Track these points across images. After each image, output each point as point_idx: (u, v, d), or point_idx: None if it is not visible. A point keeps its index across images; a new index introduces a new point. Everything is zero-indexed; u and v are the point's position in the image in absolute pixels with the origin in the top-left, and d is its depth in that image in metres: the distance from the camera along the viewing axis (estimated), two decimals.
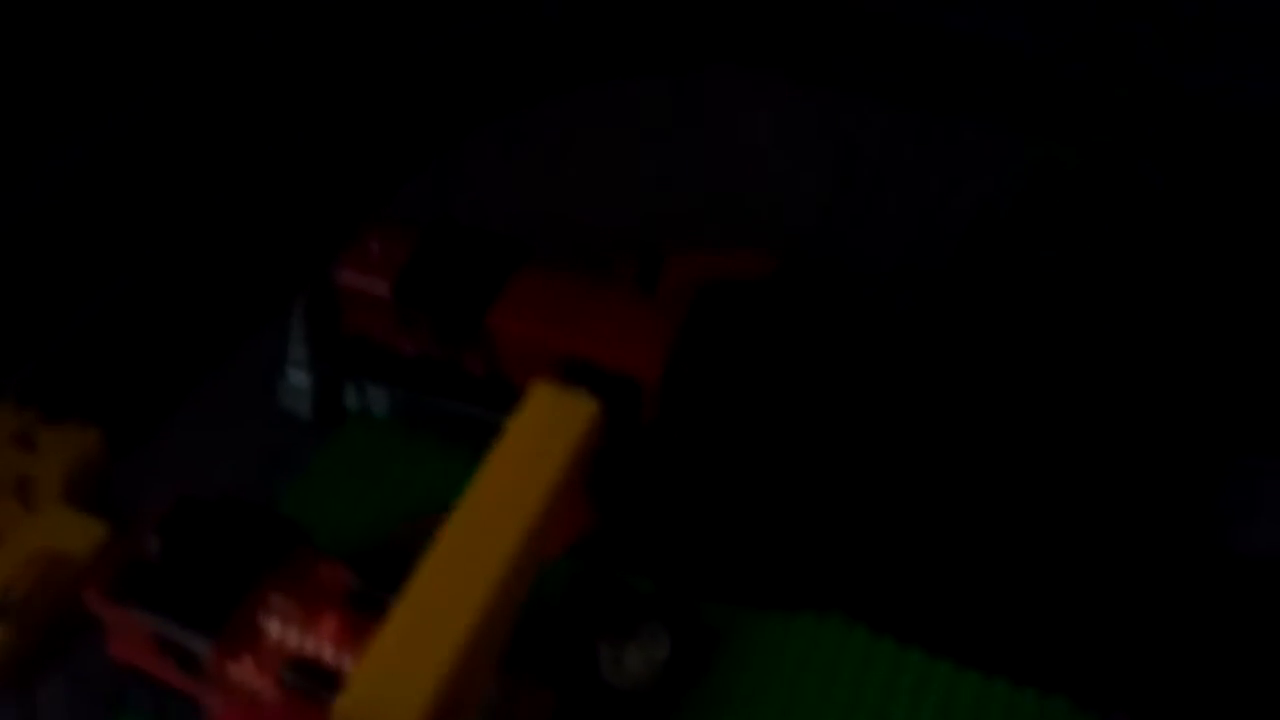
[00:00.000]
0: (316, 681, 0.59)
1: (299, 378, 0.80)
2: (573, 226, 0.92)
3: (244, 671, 0.61)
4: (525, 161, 0.98)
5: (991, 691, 0.68)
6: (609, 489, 0.69)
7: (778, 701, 0.68)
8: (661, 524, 0.73)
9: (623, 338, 0.72)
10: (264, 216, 0.93)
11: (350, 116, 1.00)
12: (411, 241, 0.76)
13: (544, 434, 0.55)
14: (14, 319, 0.85)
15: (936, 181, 0.93)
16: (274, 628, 0.61)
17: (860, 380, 0.79)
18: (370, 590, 0.63)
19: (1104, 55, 0.85)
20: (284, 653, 0.61)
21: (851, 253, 0.89)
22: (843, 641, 0.70)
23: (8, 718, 0.70)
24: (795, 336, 0.80)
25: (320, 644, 0.61)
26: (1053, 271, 0.81)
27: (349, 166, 0.96)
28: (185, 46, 1.01)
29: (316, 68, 1.03)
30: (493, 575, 0.53)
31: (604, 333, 0.72)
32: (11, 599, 0.69)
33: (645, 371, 0.71)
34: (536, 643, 0.66)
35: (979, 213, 0.87)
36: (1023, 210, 0.83)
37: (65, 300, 0.86)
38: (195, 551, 0.63)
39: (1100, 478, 0.75)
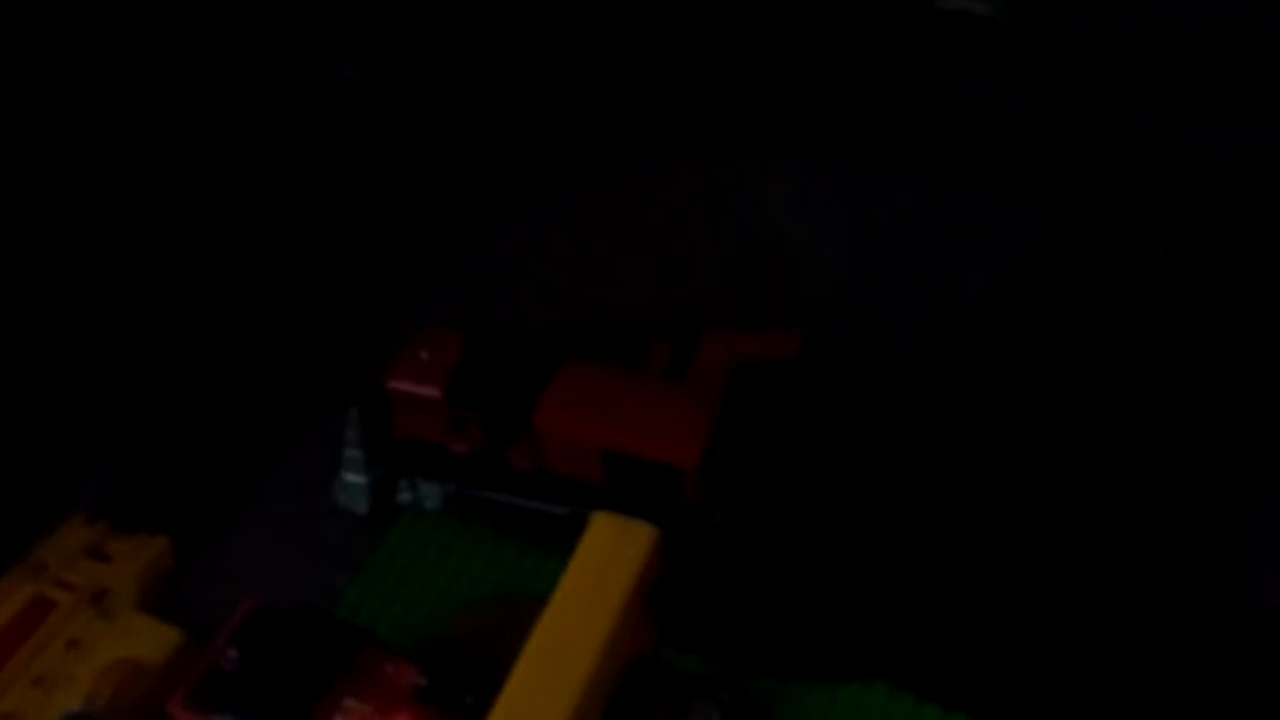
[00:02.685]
0: None
1: (355, 477, 0.83)
2: (604, 312, 0.96)
3: None
4: (553, 249, 1.02)
5: None
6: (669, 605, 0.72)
7: None
8: (706, 603, 0.76)
9: (661, 429, 0.75)
10: (309, 322, 0.97)
11: (386, 217, 1.04)
12: (458, 348, 0.80)
13: (607, 563, 0.59)
14: (79, 436, 0.89)
15: (952, 250, 0.96)
16: None
17: (891, 453, 0.82)
18: (436, 686, 0.67)
19: (1111, 125, 0.88)
20: None
21: (872, 323, 0.93)
22: (888, 709, 0.73)
23: None
24: (826, 414, 0.83)
25: None
26: (1070, 337, 0.83)
27: (386, 268, 1.01)
28: (229, 161, 1.06)
29: (353, 173, 1.08)
30: (567, 700, 0.56)
31: (643, 426, 0.76)
32: (95, 707, 0.72)
33: (685, 460, 0.74)
34: None
35: (994, 283, 0.90)
36: (1039, 280, 0.86)
37: (126, 414, 0.90)
38: (270, 660, 0.66)
39: (1128, 534, 0.78)
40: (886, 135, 1.03)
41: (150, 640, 0.75)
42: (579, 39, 1.14)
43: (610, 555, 0.60)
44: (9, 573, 0.79)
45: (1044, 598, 0.76)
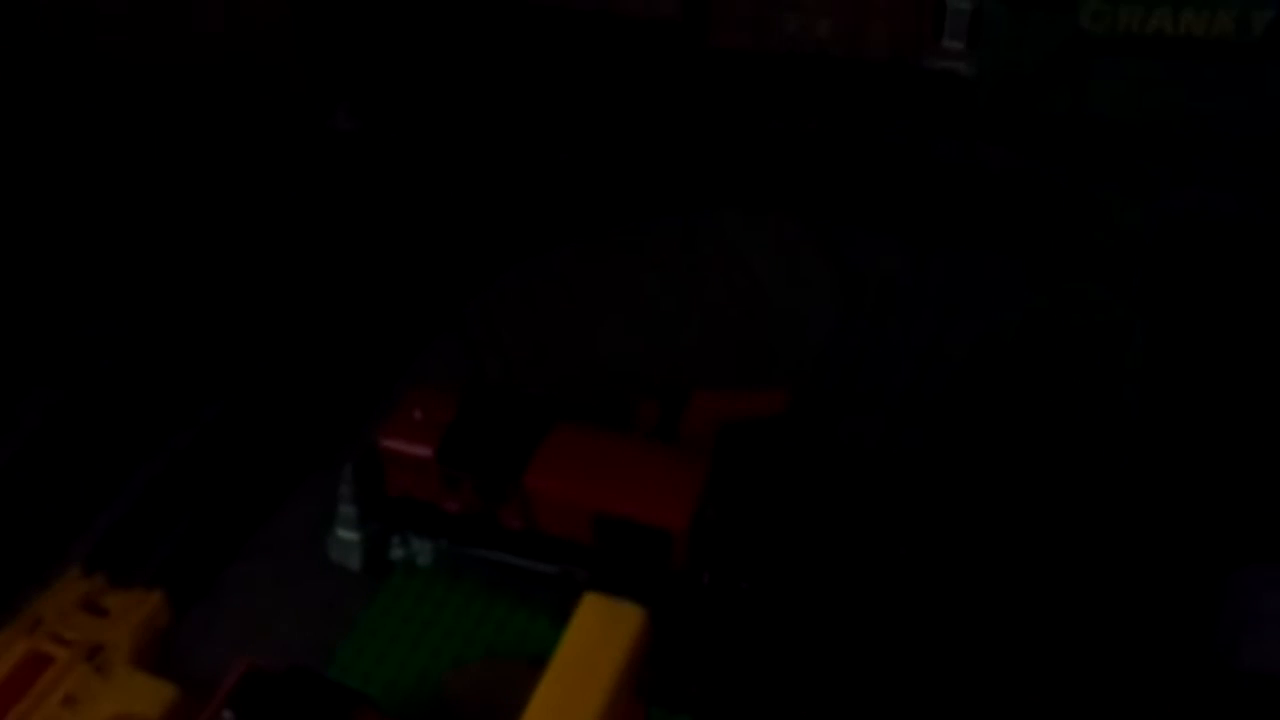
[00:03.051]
0: None
1: (348, 534, 0.85)
2: (594, 369, 0.97)
3: None
4: (543, 306, 1.04)
5: None
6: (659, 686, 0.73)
7: None
8: (696, 664, 0.77)
9: (650, 493, 0.77)
10: (302, 378, 0.98)
11: (377, 273, 1.06)
12: (450, 408, 0.81)
13: (596, 645, 0.60)
14: (74, 490, 0.90)
15: (938, 310, 0.98)
16: None
17: (877, 514, 0.84)
18: None
19: (1083, 198, 0.90)
20: None
21: (858, 383, 0.94)
22: None
23: None
24: (813, 474, 0.85)
25: None
26: (1050, 403, 0.85)
27: (378, 325, 1.02)
28: (218, 216, 1.08)
29: (345, 228, 1.09)
30: None
31: (632, 489, 0.77)
32: None
33: (674, 523, 0.76)
34: None
35: (976, 347, 0.92)
36: (1021, 348, 0.88)
37: (121, 468, 0.91)
38: None
39: (1102, 597, 0.80)
40: (871, 195, 1.06)
41: (146, 697, 0.76)
42: (569, 97, 1.16)
43: (600, 637, 0.61)
44: (5, 627, 0.80)
45: (1030, 658, 0.77)
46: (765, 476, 0.82)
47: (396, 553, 0.85)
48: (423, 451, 0.80)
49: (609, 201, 1.09)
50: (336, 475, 0.84)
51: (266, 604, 0.84)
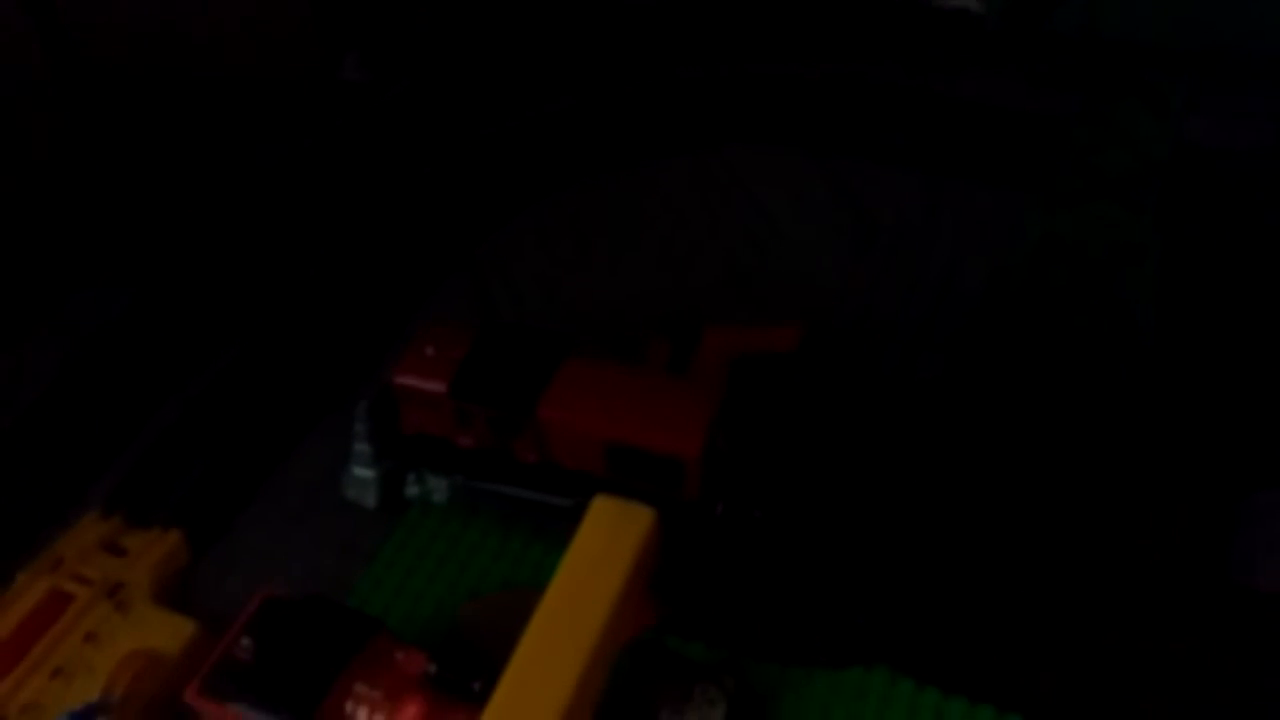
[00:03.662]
0: None
1: (363, 472, 0.85)
2: (606, 307, 0.97)
3: None
4: (555, 245, 1.04)
5: None
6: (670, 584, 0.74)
7: None
8: (710, 592, 0.78)
9: (662, 422, 0.77)
10: (316, 320, 0.99)
11: (389, 215, 1.06)
12: (463, 344, 0.81)
13: (607, 544, 0.60)
14: (93, 434, 0.91)
15: (950, 244, 0.98)
16: (361, 714, 0.67)
17: (889, 443, 0.84)
18: (446, 673, 0.68)
19: (1099, 120, 0.90)
20: None
21: (871, 318, 0.94)
22: (889, 694, 0.74)
23: None
24: (826, 405, 0.85)
25: None
26: (1064, 329, 0.85)
27: (391, 265, 1.02)
28: (232, 165, 1.08)
29: (355, 172, 1.09)
30: (569, 679, 0.57)
31: (644, 418, 0.77)
32: (113, 698, 0.74)
33: (686, 451, 0.76)
34: (597, 715, 0.70)
35: (991, 277, 0.92)
36: (1034, 274, 0.87)
37: (138, 412, 0.92)
38: (284, 648, 0.68)
39: (1121, 520, 0.79)
40: (881, 130, 1.05)
41: (166, 632, 0.77)
42: (579, 36, 1.16)
43: (610, 536, 0.61)
44: (26, 567, 0.81)
45: (1042, 584, 0.77)
46: (778, 406, 0.82)
47: (412, 490, 0.85)
48: (436, 387, 0.80)
49: (620, 141, 1.09)
50: (351, 414, 0.84)
51: (284, 542, 0.85)
